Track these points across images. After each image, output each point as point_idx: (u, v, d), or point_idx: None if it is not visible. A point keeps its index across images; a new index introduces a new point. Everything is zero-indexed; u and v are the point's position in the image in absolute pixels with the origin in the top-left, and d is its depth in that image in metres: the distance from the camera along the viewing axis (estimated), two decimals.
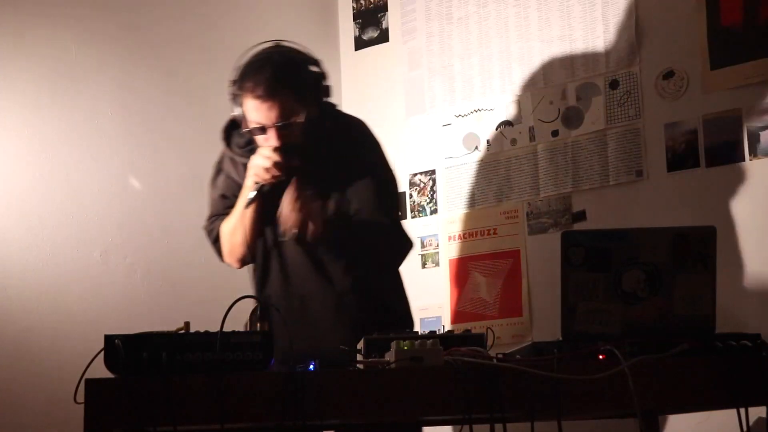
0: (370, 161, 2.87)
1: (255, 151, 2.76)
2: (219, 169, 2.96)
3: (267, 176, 2.71)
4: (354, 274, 2.81)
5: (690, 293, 2.20)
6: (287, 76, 2.70)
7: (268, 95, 2.66)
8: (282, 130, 2.69)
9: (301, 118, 2.70)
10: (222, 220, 2.91)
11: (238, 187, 2.86)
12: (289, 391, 1.93)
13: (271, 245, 2.87)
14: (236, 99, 2.74)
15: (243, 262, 2.91)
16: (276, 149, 2.70)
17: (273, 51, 2.76)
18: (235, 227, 2.83)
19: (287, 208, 2.73)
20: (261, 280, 2.90)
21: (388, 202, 2.90)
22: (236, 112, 2.75)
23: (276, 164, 2.69)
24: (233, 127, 2.86)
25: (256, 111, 2.68)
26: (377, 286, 2.90)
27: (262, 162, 2.71)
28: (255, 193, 2.73)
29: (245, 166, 2.80)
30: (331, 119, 2.82)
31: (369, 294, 2.86)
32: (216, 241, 2.94)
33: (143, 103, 3.82)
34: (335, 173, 2.80)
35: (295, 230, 2.72)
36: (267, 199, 2.80)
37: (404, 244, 2.92)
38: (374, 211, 2.81)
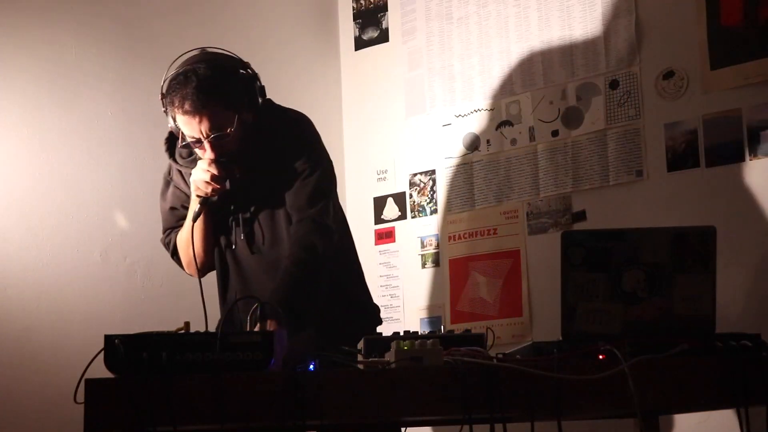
0: (305, 157, 2.77)
1: (185, 144, 2.72)
2: (167, 181, 2.91)
3: (208, 190, 2.68)
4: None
5: (690, 293, 2.20)
6: (213, 87, 2.61)
7: (195, 110, 2.59)
8: (216, 141, 2.63)
9: (233, 127, 2.63)
10: (176, 232, 2.87)
11: (186, 198, 2.83)
12: (289, 391, 1.93)
13: (224, 253, 2.83)
14: (167, 112, 2.68)
15: (203, 272, 2.83)
16: (213, 161, 2.64)
17: (197, 61, 2.67)
18: (188, 240, 2.76)
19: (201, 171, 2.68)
20: (222, 286, 2.87)
21: (317, 198, 2.76)
22: (170, 125, 2.70)
23: (214, 177, 2.65)
24: (174, 139, 2.77)
25: (187, 126, 2.63)
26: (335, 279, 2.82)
27: (201, 176, 2.66)
28: (199, 206, 2.70)
29: (189, 176, 2.75)
30: (271, 118, 2.76)
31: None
32: (174, 254, 2.90)
33: (143, 103, 3.81)
34: (275, 173, 2.74)
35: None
36: (215, 209, 2.78)
37: (329, 237, 2.76)
38: (305, 214, 2.72)
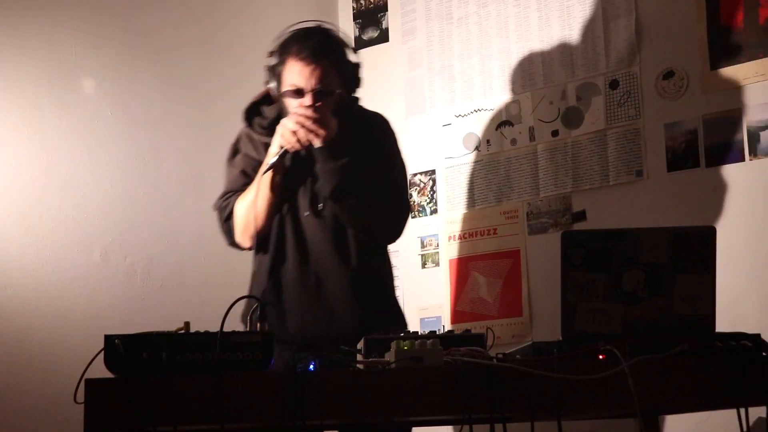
0: (389, 158, 2.95)
1: (274, 131, 2.79)
2: (236, 150, 2.96)
3: (293, 140, 2.72)
4: (369, 227, 2.83)
5: (690, 293, 2.20)
6: (334, 47, 2.82)
7: (313, 58, 2.73)
8: (319, 97, 2.74)
9: (337, 89, 2.77)
10: (237, 195, 2.89)
11: (257, 164, 2.86)
12: (289, 391, 1.93)
13: (288, 221, 2.85)
14: (274, 69, 2.78)
15: (255, 240, 2.84)
16: (309, 115, 2.72)
17: (317, 26, 2.87)
18: (253, 200, 2.80)
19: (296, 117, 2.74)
20: (275, 259, 2.86)
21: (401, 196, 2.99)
22: (271, 84, 2.79)
23: (306, 128, 2.70)
24: (254, 110, 2.89)
25: (297, 73, 2.74)
26: (381, 273, 2.95)
27: (292, 125, 2.71)
28: (277, 158, 2.73)
29: (266, 145, 2.81)
30: (359, 109, 2.92)
31: (375, 274, 2.90)
32: (228, 219, 2.90)
33: (143, 103, 3.82)
34: (357, 161, 2.82)
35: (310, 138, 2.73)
36: (288, 173, 2.82)
37: (406, 213, 2.99)
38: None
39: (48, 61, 3.60)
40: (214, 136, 3.99)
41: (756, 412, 2.12)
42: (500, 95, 3.96)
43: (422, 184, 4.14)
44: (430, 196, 4.11)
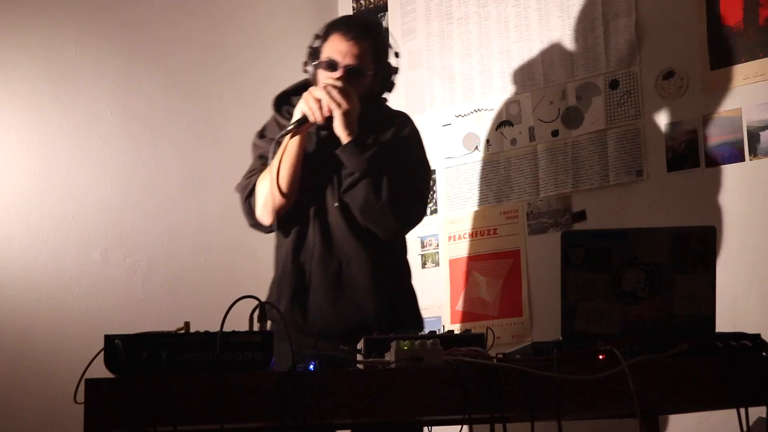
0: (416, 156, 3.00)
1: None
2: (261, 135, 2.98)
3: (315, 107, 2.74)
4: (395, 211, 2.83)
5: (690, 293, 2.20)
6: (378, 34, 2.93)
7: (355, 36, 2.81)
8: (350, 73, 2.80)
9: (370, 71, 2.83)
10: (260, 173, 2.89)
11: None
12: (289, 391, 1.93)
13: (314, 209, 2.87)
14: (316, 50, 2.85)
15: (277, 215, 2.81)
16: (336, 85, 2.75)
17: (376, 21, 3.05)
18: (274, 170, 2.78)
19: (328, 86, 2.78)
20: (297, 242, 2.87)
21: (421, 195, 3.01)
22: (309, 72, 2.86)
23: (331, 97, 2.73)
24: (284, 99, 2.94)
25: (335, 48, 2.81)
26: (400, 269, 3.00)
27: (318, 93, 2.75)
28: (296, 124, 2.74)
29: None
30: (386, 107, 2.99)
31: (396, 268, 2.95)
32: (249, 196, 2.89)
33: (143, 103, 3.82)
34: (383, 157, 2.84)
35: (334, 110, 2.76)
36: (312, 155, 2.85)
37: (422, 211, 3.01)
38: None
39: (48, 61, 3.60)
40: (215, 135, 3.99)
41: (756, 412, 2.12)
42: (500, 95, 3.96)
43: None
44: (430, 196, 4.11)
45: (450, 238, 4.04)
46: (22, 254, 3.44)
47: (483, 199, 3.97)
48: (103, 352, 1.96)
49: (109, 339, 1.96)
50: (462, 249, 4.00)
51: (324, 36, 2.88)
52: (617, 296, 2.18)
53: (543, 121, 3.84)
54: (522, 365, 2.04)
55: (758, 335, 2.19)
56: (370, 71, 2.85)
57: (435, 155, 4.11)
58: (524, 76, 3.91)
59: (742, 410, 2.09)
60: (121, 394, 1.91)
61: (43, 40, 3.60)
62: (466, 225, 4.00)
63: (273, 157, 2.78)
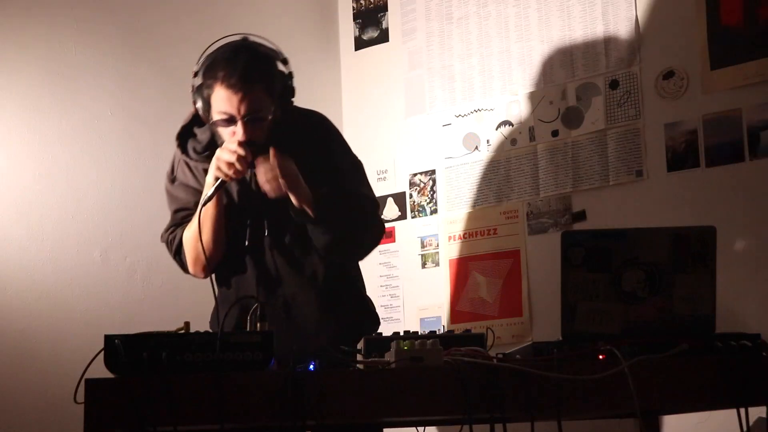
0: (340, 152, 2.82)
1: (211, 156, 2.66)
2: (172, 179, 2.86)
3: (230, 172, 2.60)
4: (337, 250, 2.72)
5: (690, 293, 2.20)
6: (261, 69, 2.62)
7: (241, 85, 2.56)
8: (251, 124, 2.60)
9: (268, 116, 2.63)
10: (182, 228, 2.80)
11: (196, 194, 2.77)
12: (289, 391, 1.93)
13: (246, 246, 2.75)
14: (200, 90, 2.63)
15: (209, 269, 2.73)
16: (242, 144, 2.60)
17: (244, 43, 2.68)
18: (197, 233, 2.66)
19: (266, 175, 2.63)
20: (237, 285, 2.79)
21: (367, 183, 2.87)
22: (198, 104, 2.65)
23: (241, 159, 2.59)
24: (188, 133, 2.76)
25: (226, 101, 2.58)
26: (352, 283, 2.88)
27: (227, 157, 2.59)
28: (214, 189, 2.62)
29: (205, 170, 2.71)
30: (295, 117, 2.75)
31: (347, 288, 2.83)
32: (178, 252, 2.81)
33: (143, 102, 3.82)
34: (305, 166, 2.71)
35: (277, 194, 2.63)
36: (231, 196, 2.74)
37: (382, 227, 2.89)
38: (358, 185, 2.79)
39: (48, 60, 3.60)
40: None
41: (756, 412, 2.12)
42: (500, 95, 3.96)
43: (422, 184, 4.14)
44: (430, 196, 4.11)
45: (450, 238, 4.04)
46: (22, 254, 3.44)
47: (483, 199, 3.97)
48: (103, 352, 1.96)
49: (109, 339, 1.96)
50: (462, 249, 4.00)
51: (206, 81, 2.62)
52: (617, 296, 2.18)
53: (543, 121, 3.84)
54: (522, 365, 2.04)
55: (758, 335, 2.19)
56: (269, 113, 2.64)
57: (435, 155, 4.12)
58: (524, 76, 3.91)
59: (742, 410, 2.09)
60: (121, 394, 1.91)
61: (44, 41, 3.60)
62: (466, 225, 4.00)
63: (194, 214, 2.71)
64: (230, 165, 2.60)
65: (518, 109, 3.91)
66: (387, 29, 4.33)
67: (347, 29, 4.46)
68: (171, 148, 3.85)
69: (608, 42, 3.71)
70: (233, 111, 2.59)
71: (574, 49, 3.79)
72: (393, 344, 2.05)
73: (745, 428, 2.08)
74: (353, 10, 4.45)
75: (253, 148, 2.62)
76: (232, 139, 2.62)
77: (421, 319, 4.05)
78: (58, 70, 3.61)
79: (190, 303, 3.67)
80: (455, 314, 3.97)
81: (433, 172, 4.12)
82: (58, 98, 3.60)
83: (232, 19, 4.14)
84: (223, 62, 2.59)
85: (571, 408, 2.06)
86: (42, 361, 3.39)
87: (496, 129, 3.96)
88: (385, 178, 4.25)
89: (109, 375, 1.96)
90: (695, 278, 2.20)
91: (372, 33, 4.38)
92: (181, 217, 2.83)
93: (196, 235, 2.66)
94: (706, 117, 3.45)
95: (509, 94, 3.94)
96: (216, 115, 2.62)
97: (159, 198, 3.79)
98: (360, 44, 4.41)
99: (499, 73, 3.98)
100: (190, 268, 2.81)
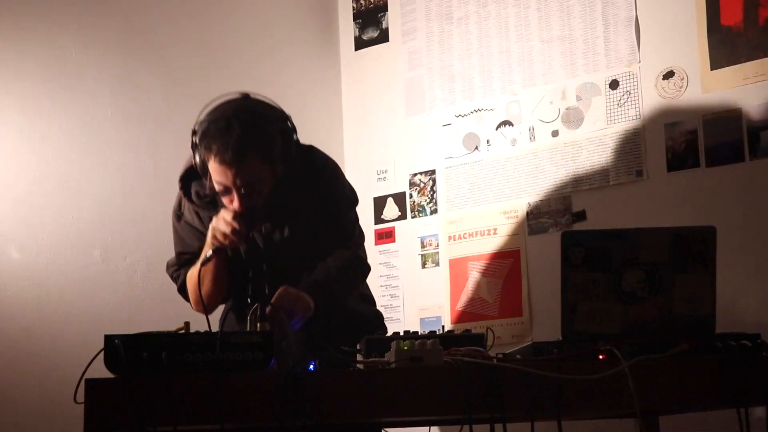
0: (331, 194, 2.75)
1: (216, 202, 2.64)
2: (178, 215, 2.83)
3: (226, 242, 2.59)
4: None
5: (690, 293, 2.20)
6: (256, 141, 2.53)
7: (234, 161, 2.49)
8: (247, 194, 2.56)
9: (267, 182, 2.58)
10: (186, 269, 2.80)
11: (201, 237, 2.74)
12: (289, 391, 1.93)
13: (249, 302, 2.66)
14: (198, 150, 2.56)
15: (210, 310, 2.72)
16: (238, 216, 2.57)
17: (239, 108, 2.58)
18: (197, 285, 2.66)
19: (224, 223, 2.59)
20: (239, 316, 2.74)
21: (350, 227, 2.80)
22: (195, 161, 2.58)
23: (235, 231, 2.57)
24: (191, 175, 2.69)
25: (221, 174, 2.53)
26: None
27: (223, 227, 2.58)
28: (211, 253, 2.61)
29: (209, 217, 2.68)
30: (299, 167, 2.68)
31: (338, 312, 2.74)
32: (182, 289, 2.83)
33: (143, 103, 3.82)
34: (297, 210, 2.69)
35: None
36: (233, 264, 2.71)
37: (365, 270, 2.83)
38: (340, 242, 2.72)
39: (48, 61, 3.60)
40: None
41: (756, 412, 2.12)
42: (500, 95, 3.96)
43: (422, 184, 4.14)
44: (430, 196, 4.12)
45: (450, 238, 4.04)
46: (22, 254, 3.44)
47: (483, 199, 3.97)
48: (103, 352, 1.96)
49: (109, 339, 1.96)
50: (462, 249, 4.00)
51: (201, 148, 2.55)
52: (617, 296, 2.19)
53: (543, 121, 3.84)
54: (522, 365, 2.04)
55: (758, 335, 2.19)
56: (266, 182, 2.58)
57: (435, 155, 4.12)
58: (524, 76, 3.91)
59: (742, 410, 2.09)
60: (121, 394, 1.91)
61: (44, 41, 3.59)
62: (466, 225, 4.00)
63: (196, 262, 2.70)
64: (226, 236, 2.58)
65: (518, 109, 3.91)
66: (387, 29, 4.34)
67: (347, 29, 4.46)
68: (171, 148, 3.87)
69: (608, 42, 3.71)
70: (229, 183, 2.54)
71: (574, 49, 3.79)
72: (393, 344, 2.05)
73: (745, 428, 2.08)
74: (353, 10, 4.45)
75: (250, 214, 2.59)
76: (229, 207, 2.60)
77: (421, 319, 4.05)
78: (58, 70, 3.61)
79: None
80: (455, 314, 3.98)
81: (433, 172, 4.12)
82: (58, 98, 3.60)
83: (232, 19, 4.14)
84: (217, 135, 2.51)
85: (571, 408, 2.06)
86: (42, 361, 3.39)
87: (496, 129, 3.96)
88: (385, 178, 4.25)
89: (109, 375, 1.96)
90: (695, 278, 2.20)
91: (372, 33, 4.38)
92: (185, 260, 2.82)
93: (196, 286, 2.66)
94: (706, 117, 3.45)
95: (509, 94, 3.94)
96: (214, 182, 2.58)
97: (159, 198, 3.81)
98: (360, 44, 4.41)
99: (499, 73, 3.98)
100: (192, 306, 2.81)
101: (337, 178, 2.81)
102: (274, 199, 2.63)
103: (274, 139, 2.58)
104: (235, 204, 2.57)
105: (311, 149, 2.77)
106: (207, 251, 2.63)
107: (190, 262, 2.79)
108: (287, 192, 2.66)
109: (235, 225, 2.58)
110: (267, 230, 2.71)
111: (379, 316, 2.95)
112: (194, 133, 2.58)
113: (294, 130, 2.64)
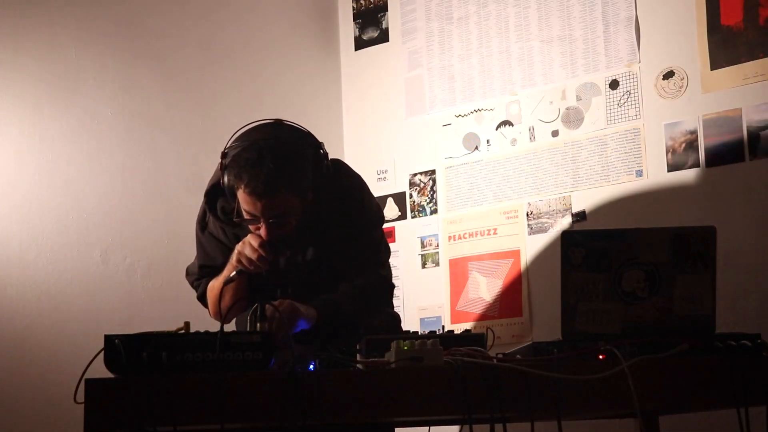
0: (356, 215, 2.72)
1: (240, 218, 2.60)
2: (203, 226, 2.79)
3: (250, 267, 2.58)
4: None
5: (690, 293, 2.20)
6: (287, 172, 2.49)
7: (264, 195, 2.47)
8: (276, 225, 2.53)
9: (296, 213, 2.55)
10: (208, 281, 2.77)
11: (224, 251, 2.72)
12: (289, 391, 1.93)
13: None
14: (227, 173, 2.52)
15: (227, 321, 2.64)
16: (264, 243, 2.55)
17: (272, 137, 2.54)
18: (217, 301, 2.64)
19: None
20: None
21: (374, 246, 2.78)
22: (225, 181, 2.54)
23: (261, 259, 2.56)
24: (217, 192, 2.64)
25: (250, 204, 2.50)
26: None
27: (249, 253, 2.56)
28: (234, 274, 2.59)
29: (234, 235, 2.67)
30: (327, 190, 2.64)
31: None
32: (201, 298, 2.82)
33: (143, 103, 3.82)
34: (323, 232, 2.67)
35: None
36: (257, 280, 2.69)
37: (386, 288, 2.81)
38: (363, 262, 2.70)
39: (48, 61, 3.60)
40: (214, 135, 3.98)
41: (756, 412, 2.12)
42: (500, 95, 3.96)
43: (422, 184, 4.14)
44: (430, 196, 4.12)
45: (450, 238, 4.04)
46: (22, 254, 3.44)
47: (483, 199, 3.97)
48: (103, 352, 1.96)
49: (109, 339, 1.96)
50: (462, 249, 4.00)
51: (231, 176, 2.51)
52: (617, 296, 2.18)
53: (543, 121, 3.84)
54: (522, 365, 2.03)
55: (758, 335, 2.19)
56: (295, 213, 2.55)
57: (435, 155, 4.12)
58: (524, 76, 3.91)
59: (742, 410, 2.09)
60: (121, 394, 1.91)
61: (44, 41, 3.60)
62: (466, 225, 4.00)
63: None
64: (251, 261, 2.57)
65: (518, 109, 3.91)
66: (387, 29, 4.34)
67: (347, 29, 4.46)
68: (171, 149, 3.87)
69: (608, 42, 3.71)
70: (257, 213, 2.52)
71: (574, 49, 3.79)
72: (393, 344, 2.05)
73: (745, 428, 2.08)
74: (353, 10, 4.45)
75: (277, 242, 2.57)
76: (256, 233, 2.58)
77: (421, 319, 4.05)
78: (59, 71, 3.61)
79: (190, 303, 3.66)
80: (455, 314, 3.98)
81: (433, 172, 4.12)
82: (58, 98, 3.60)
83: (232, 19, 4.14)
84: (248, 166, 2.47)
85: (571, 408, 2.06)
86: (42, 361, 3.39)
87: (496, 129, 3.96)
88: (385, 178, 4.25)
89: (109, 375, 1.96)
90: (695, 278, 2.20)
91: (372, 33, 4.38)
92: (207, 272, 2.79)
93: (216, 300, 2.65)
94: (706, 117, 3.45)
95: (509, 94, 3.94)
96: (242, 210, 2.56)
97: (159, 198, 3.81)
98: (360, 44, 4.41)
99: (498, 73, 3.98)
100: (210, 315, 2.81)
101: (362, 197, 2.78)
102: (301, 221, 2.61)
103: (306, 171, 2.55)
104: (263, 233, 2.55)
105: (338, 167, 2.74)
106: (231, 272, 2.60)
107: (212, 275, 2.76)
108: (314, 215, 2.63)
109: (262, 252, 2.56)
110: (291, 252, 2.68)
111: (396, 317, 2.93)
112: (224, 155, 2.54)
113: (326, 156, 2.61)
